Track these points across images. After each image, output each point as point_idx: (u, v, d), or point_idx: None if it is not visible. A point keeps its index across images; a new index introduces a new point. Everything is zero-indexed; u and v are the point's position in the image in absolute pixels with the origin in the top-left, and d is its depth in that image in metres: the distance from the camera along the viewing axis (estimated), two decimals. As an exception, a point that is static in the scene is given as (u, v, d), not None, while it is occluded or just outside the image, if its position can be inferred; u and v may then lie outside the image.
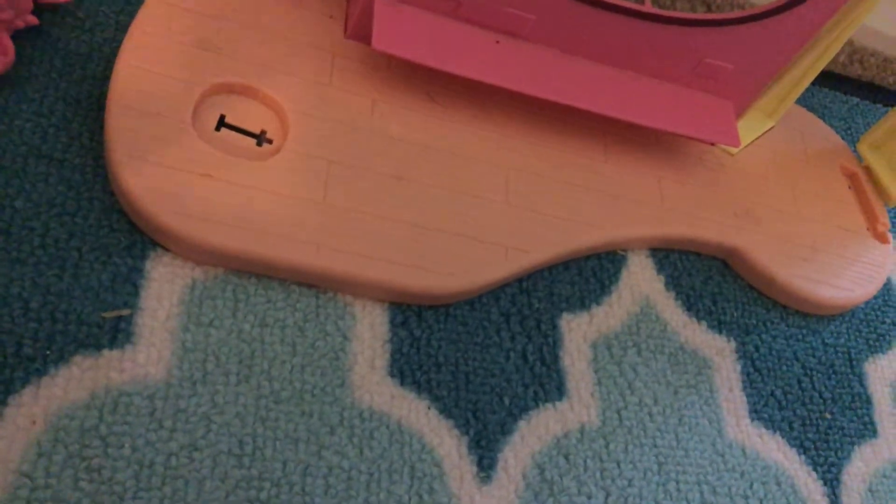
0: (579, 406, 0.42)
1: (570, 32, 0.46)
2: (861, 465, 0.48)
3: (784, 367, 0.49)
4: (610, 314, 0.46)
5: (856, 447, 0.48)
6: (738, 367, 0.48)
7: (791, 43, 0.49)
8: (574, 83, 0.47)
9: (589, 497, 0.40)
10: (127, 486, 0.32)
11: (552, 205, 0.46)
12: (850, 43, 0.68)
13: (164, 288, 0.37)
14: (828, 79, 0.67)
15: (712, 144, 0.53)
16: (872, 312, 0.54)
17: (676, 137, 0.53)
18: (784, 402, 0.48)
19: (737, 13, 0.46)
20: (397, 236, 0.41)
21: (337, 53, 0.46)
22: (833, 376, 0.50)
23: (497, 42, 0.46)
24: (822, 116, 0.63)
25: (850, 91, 0.68)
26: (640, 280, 0.48)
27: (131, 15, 0.43)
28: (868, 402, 0.50)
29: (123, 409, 0.34)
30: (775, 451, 0.46)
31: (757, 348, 0.49)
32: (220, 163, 0.39)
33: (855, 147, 0.61)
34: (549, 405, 0.42)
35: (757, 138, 0.56)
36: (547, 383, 0.42)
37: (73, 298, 0.35)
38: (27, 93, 0.40)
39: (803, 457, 0.46)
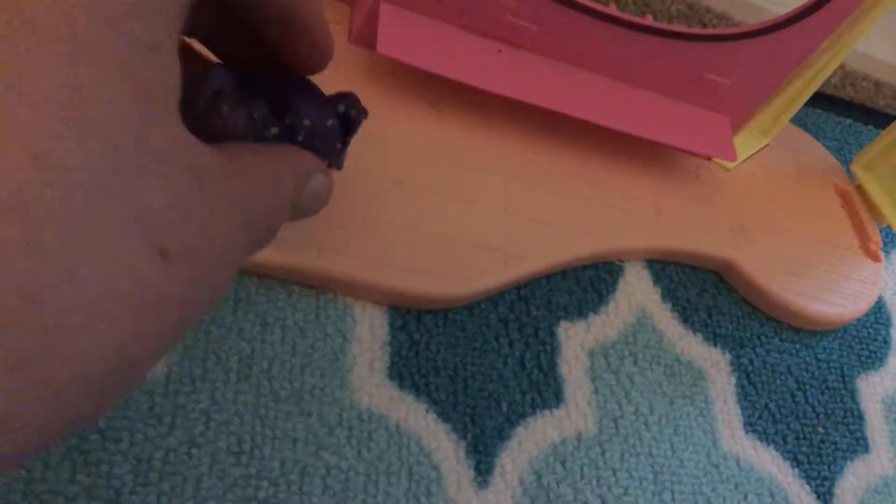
0: (576, 413, 0.42)
1: (572, 43, 0.47)
2: (853, 480, 0.48)
3: (778, 381, 0.49)
4: (607, 323, 0.46)
5: (848, 462, 0.48)
6: (733, 380, 0.48)
7: (789, 60, 0.49)
8: (574, 93, 0.48)
9: (585, 504, 0.40)
10: (125, 480, 0.32)
11: (550, 214, 0.46)
12: (842, 67, 0.68)
13: (164, 285, 0.37)
14: (821, 100, 0.68)
15: (709, 159, 0.54)
16: (864, 329, 0.55)
17: (674, 151, 0.53)
18: (778, 416, 0.48)
19: (739, 28, 0.47)
20: (397, 241, 0.41)
21: (339, 59, 0.46)
22: (826, 391, 0.51)
23: (499, 51, 0.46)
24: (815, 137, 0.64)
25: (843, 112, 0.69)
26: (637, 291, 0.48)
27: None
28: (860, 417, 0.51)
29: (122, 404, 0.34)
30: (769, 463, 0.46)
31: (751, 361, 0.49)
32: (223, 162, 0.39)
33: (848, 167, 0.61)
34: (546, 412, 0.42)
35: (751, 155, 0.56)
36: (544, 390, 0.42)
37: (73, 293, 0.35)
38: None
39: (797, 470, 0.46)
